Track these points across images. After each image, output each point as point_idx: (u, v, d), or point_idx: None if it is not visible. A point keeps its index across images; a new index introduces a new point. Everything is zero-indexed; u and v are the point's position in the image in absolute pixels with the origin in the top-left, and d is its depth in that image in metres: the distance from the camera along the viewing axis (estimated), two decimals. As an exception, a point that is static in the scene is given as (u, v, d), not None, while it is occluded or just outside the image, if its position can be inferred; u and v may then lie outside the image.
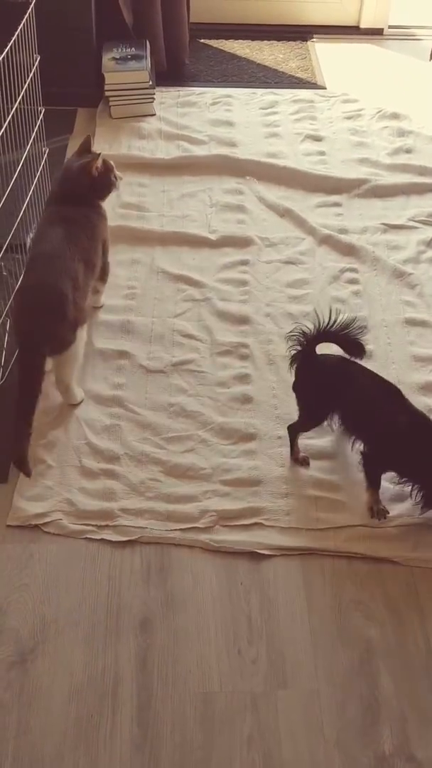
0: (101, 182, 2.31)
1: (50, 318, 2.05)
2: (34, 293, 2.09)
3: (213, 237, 2.79)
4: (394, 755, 1.61)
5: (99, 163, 2.27)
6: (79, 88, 3.39)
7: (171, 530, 1.94)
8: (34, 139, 2.47)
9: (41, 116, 2.54)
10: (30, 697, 1.67)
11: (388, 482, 2.02)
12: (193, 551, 1.93)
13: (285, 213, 2.90)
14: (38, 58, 2.43)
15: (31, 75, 2.38)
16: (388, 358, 2.39)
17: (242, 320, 2.50)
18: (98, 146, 3.18)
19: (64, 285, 2.06)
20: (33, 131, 2.47)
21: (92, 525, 1.94)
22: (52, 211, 2.31)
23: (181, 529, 1.94)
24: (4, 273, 2.44)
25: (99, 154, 2.29)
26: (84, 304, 2.16)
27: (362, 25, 3.97)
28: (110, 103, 3.34)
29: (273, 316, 2.52)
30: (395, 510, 2.01)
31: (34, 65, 2.41)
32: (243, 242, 2.78)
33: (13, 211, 2.37)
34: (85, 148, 2.34)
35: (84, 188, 2.28)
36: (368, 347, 2.38)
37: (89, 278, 2.21)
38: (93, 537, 1.93)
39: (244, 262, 2.70)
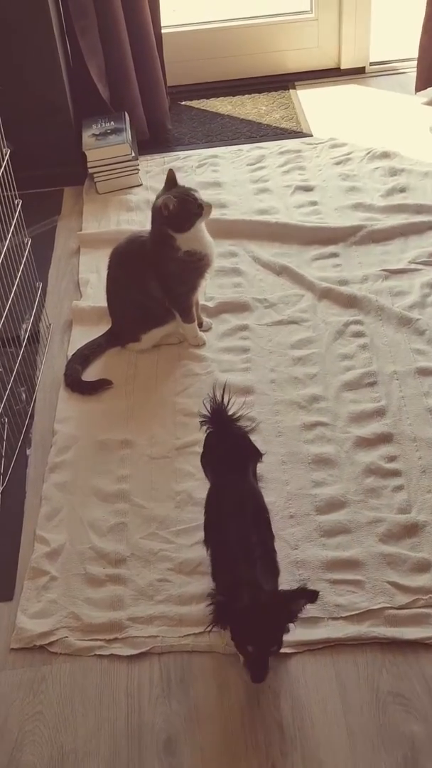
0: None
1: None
2: None
3: (210, 305, 2.70)
4: None
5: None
6: (63, 168, 3.36)
7: (184, 636, 1.81)
8: (12, 231, 2.40)
9: (19, 207, 2.48)
10: None
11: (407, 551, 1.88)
12: (215, 655, 1.79)
13: (282, 270, 2.80)
14: (8, 152, 2.37)
15: (1, 170, 2.32)
16: (403, 413, 2.26)
17: (246, 390, 2.38)
18: (87, 224, 3.15)
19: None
20: (12, 223, 2.41)
21: (100, 639, 1.81)
22: None
23: (194, 634, 1.81)
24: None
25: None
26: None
27: (343, 66, 3.90)
28: (95, 180, 3.29)
29: (278, 383, 2.40)
30: (418, 581, 1.86)
31: (4, 159, 2.35)
32: (241, 307, 2.68)
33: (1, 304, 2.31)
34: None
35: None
36: (381, 403, 2.28)
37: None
38: (102, 653, 1.80)
39: (244, 328, 2.60)
